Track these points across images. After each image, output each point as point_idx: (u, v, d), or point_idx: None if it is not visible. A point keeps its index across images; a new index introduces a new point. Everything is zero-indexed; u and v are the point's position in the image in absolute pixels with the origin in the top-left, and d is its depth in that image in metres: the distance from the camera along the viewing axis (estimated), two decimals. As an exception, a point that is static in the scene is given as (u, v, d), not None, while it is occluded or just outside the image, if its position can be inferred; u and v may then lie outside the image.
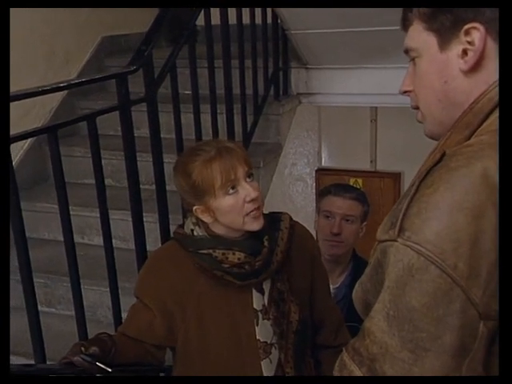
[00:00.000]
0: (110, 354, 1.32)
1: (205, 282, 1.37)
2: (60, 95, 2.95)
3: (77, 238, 2.45)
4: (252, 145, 2.59)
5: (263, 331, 1.38)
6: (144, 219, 2.00)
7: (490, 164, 0.71)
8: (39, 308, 1.74)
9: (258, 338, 1.37)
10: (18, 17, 2.66)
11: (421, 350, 0.70)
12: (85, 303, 1.83)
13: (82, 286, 1.81)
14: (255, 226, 1.33)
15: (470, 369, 0.70)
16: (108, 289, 1.91)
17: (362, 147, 3.81)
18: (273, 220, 1.43)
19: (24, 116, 2.71)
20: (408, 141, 3.18)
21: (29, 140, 2.70)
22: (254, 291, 1.38)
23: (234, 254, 1.34)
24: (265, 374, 1.37)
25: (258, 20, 2.63)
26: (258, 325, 1.37)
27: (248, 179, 1.32)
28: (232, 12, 2.38)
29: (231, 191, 1.30)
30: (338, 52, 2.80)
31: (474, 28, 0.79)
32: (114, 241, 1.93)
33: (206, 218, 1.35)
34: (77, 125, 2.22)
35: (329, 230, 1.91)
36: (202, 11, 2.22)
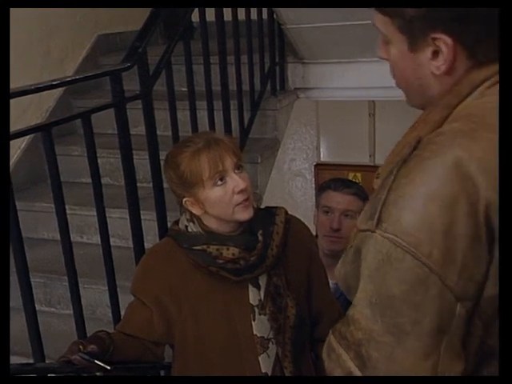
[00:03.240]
0: (108, 351, 1.32)
1: (200, 278, 1.37)
2: (56, 94, 2.94)
3: (76, 237, 2.45)
4: (249, 140, 2.58)
5: (260, 326, 1.37)
6: (142, 217, 2.00)
7: (462, 153, 0.74)
8: (39, 307, 1.74)
9: (255, 333, 1.36)
10: (14, 15, 2.65)
11: (402, 333, 0.75)
12: (84, 302, 1.83)
13: (81, 285, 1.81)
14: (245, 215, 1.32)
15: (449, 347, 0.75)
16: (107, 287, 1.90)
17: (361, 141, 3.81)
18: (268, 214, 1.42)
19: (20, 115, 2.70)
20: (406, 134, 3.17)
21: (26, 140, 2.69)
22: (250, 286, 1.38)
23: (228, 249, 1.34)
24: (263, 369, 1.37)
25: (254, 16, 2.62)
26: (254, 320, 1.37)
27: (237, 170, 1.32)
28: (227, 8, 2.37)
29: (219, 182, 1.30)
30: (335, 46, 2.79)
31: (440, 39, 0.81)
32: (112, 239, 1.93)
33: (196, 210, 1.35)
34: (74, 123, 2.22)
35: (328, 226, 1.91)
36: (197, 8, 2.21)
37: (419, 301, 0.73)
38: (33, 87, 1.70)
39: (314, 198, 3.73)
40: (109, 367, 1.29)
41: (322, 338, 1.48)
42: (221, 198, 1.31)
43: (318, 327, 1.51)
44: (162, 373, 1.70)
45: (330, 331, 0.84)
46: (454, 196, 0.72)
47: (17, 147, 2.76)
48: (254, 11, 2.60)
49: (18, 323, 1.74)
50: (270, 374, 1.37)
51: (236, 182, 1.30)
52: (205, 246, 1.35)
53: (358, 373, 0.77)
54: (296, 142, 3.94)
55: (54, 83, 1.84)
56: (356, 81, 2.86)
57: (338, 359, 0.80)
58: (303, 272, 1.46)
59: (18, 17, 2.73)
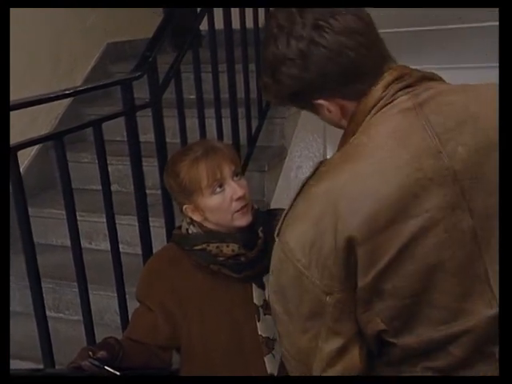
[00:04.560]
0: (117, 357, 1.33)
1: (203, 279, 1.38)
2: (66, 102, 2.97)
3: (84, 244, 2.47)
4: (257, 148, 2.60)
5: (265, 327, 1.37)
6: (150, 224, 2.02)
7: (331, 183, 0.94)
8: (48, 313, 1.75)
9: (260, 333, 1.37)
10: (23, 23, 2.69)
11: (290, 314, 0.99)
12: (93, 308, 1.84)
13: (89, 291, 1.82)
14: (243, 221, 1.35)
15: (325, 326, 0.96)
16: (115, 293, 1.92)
17: (368, 149, 3.80)
18: (269, 215, 1.45)
19: (30, 123, 2.74)
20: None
21: (36, 147, 2.71)
22: (254, 286, 1.38)
23: (228, 246, 1.35)
24: (268, 370, 1.37)
25: (263, 24, 2.63)
26: (259, 320, 1.38)
27: (235, 178, 1.35)
28: (236, 16, 2.39)
29: (218, 190, 1.33)
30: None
31: (320, 103, 1.01)
32: (121, 246, 1.94)
33: (196, 217, 1.38)
34: (84, 131, 2.23)
35: None
36: (206, 16, 2.23)
37: (298, 292, 0.96)
38: (45, 97, 1.72)
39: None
40: (118, 373, 1.30)
41: None
42: (219, 206, 1.34)
43: None
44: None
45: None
46: (321, 216, 0.92)
47: (27, 154, 2.79)
48: (262, 19, 2.62)
49: (27, 328, 1.76)
50: (276, 375, 1.37)
51: (234, 189, 1.33)
52: (205, 245, 1.36)
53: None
54: (303, 149, 3.93)
55: (66, 92, 1.87)
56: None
57: None
58: None
59: (28, 25, 2.77)
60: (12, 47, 2.67)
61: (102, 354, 1.28)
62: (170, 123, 2.25)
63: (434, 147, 0.92)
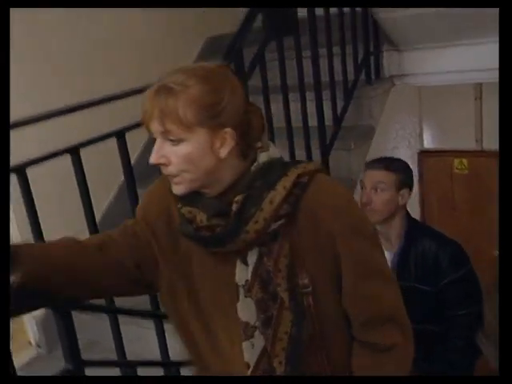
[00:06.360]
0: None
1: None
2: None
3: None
4: (343, 128, 2.68)
5: (244, 309, 1.14)
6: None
7: None
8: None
9: (238, 315, 1.15)
10: (130, 23, 2.97)
11: None
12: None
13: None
14: (176, 190, 1.12)
15: None
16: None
17: (467, 126, 3.72)
18: (272, 173, 1.11)
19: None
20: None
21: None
22: (238, 262, 1.14)
23: (199, 213, 1.11)
24: (245, 358, 1.15)
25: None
26: (238, 300, 1.14)
27: (169, 141, 1.06)
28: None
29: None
30: (430, 32, 2.79)
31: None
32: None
33: None
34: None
35: (360, 201, 2.02)
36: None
37: None
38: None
39: (417, 185, 3.73)
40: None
41: (351, 334, 1.21)
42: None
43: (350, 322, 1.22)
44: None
45: None
46: None
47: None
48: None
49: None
50: (252, 366, 1.16)
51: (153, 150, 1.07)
52: (179, 205, 1.14)
53: None
54: (398, 130, 3.93)
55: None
56: (455, 64, 2.85)
57: None
58: (326, 260, 1.14)
59: (134, 26, 3.05)
60: (122, 48, 2.98)
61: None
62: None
63: None
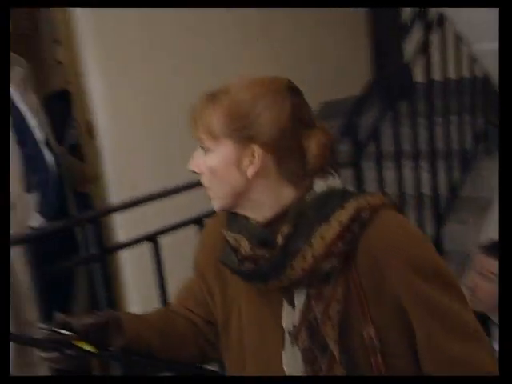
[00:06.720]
0: (105, 332, 1.03)
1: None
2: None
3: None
4: (460, 199, 2.56)
5: (290, 360, 0.98)
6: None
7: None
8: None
9: (283, 366, 0.99)
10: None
11: None
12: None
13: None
14: (213, 205, 1.02)
15: None
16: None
17: None
18: (325, 204, 0.96)
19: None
20: None
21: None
22: (285, 303, 0.99)
23: (243, 241, 0.99)
24: None
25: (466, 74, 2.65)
26: (283, 349, 0.99)
27: (206, 150, 1.00)
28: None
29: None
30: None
31: None
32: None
33: None
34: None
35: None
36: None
37: None
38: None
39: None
40: (93, 350, 0.98)
41: None
42: None
43: None
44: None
45: None
46: None
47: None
48: (466, 71, 2.64)
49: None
50: None
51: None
52: (226, 232, 1.03)
53: None
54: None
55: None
56: None
57: None
58: (392, 308, 0.95)
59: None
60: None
61: (60, 317, 1.01)
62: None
63: None
